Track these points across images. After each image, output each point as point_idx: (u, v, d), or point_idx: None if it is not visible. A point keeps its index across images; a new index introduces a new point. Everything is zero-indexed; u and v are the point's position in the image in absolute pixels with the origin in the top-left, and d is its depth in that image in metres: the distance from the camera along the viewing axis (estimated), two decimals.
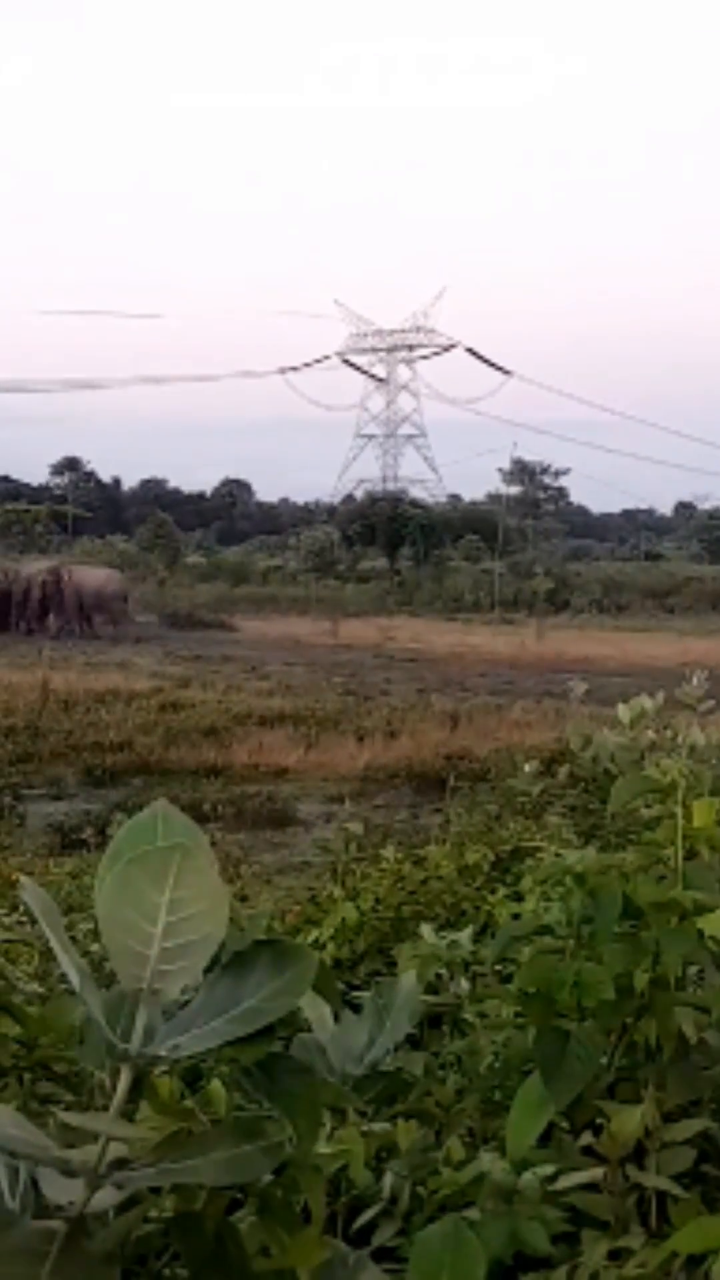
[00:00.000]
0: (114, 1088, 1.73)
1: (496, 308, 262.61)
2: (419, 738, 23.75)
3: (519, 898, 5.05)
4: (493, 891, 5.48)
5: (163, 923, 1.66)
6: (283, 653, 44.30)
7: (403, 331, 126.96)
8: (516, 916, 3.79)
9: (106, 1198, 1.72)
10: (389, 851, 6.17)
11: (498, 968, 3.73)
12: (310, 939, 5.39)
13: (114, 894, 1.67)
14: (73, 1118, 1.74)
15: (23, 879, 1.86)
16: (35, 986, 2.88)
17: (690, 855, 2.83)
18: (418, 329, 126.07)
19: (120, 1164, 1.73)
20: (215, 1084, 2.19)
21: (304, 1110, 1.80)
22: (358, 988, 4.24)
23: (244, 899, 8.73)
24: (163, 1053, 1.74)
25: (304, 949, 1.87)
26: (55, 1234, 1.64)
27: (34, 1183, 1.75)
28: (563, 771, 7.55)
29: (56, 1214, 1.70)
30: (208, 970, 1.76)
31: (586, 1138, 2.40)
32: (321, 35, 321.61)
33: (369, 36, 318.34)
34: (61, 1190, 1.72)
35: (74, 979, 1.75)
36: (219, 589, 77.52)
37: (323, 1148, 2.33)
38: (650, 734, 5.61)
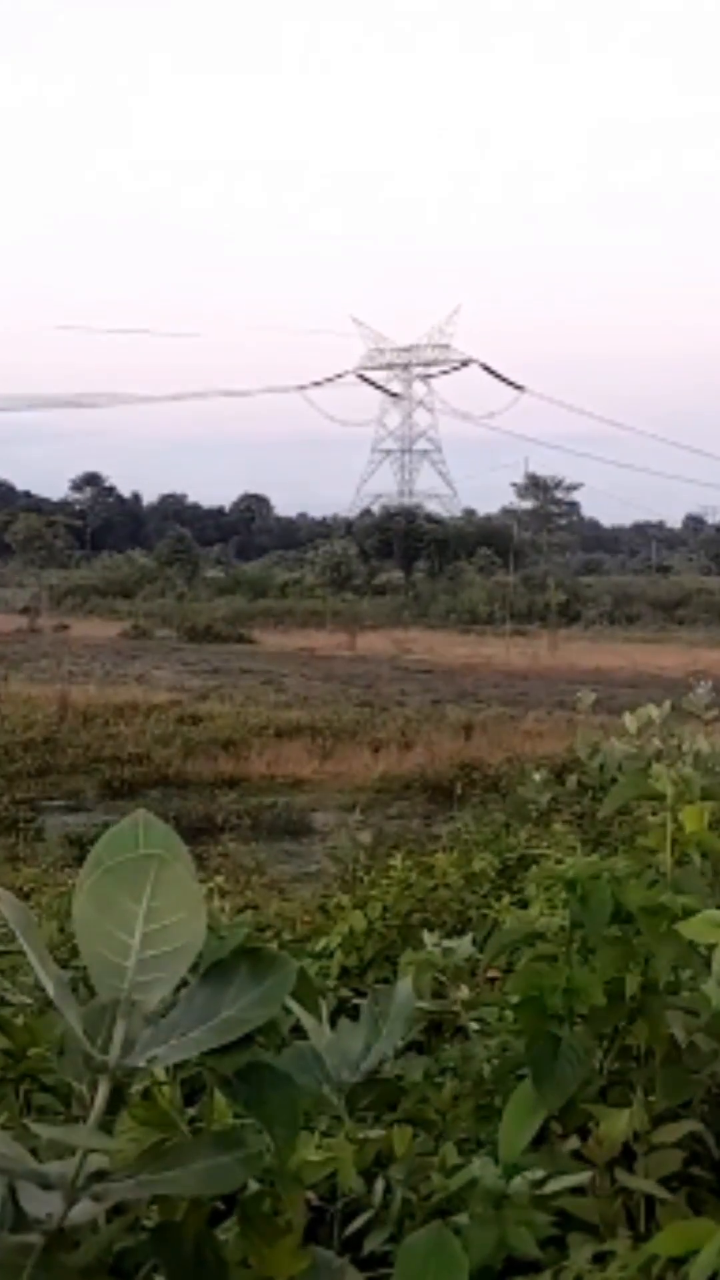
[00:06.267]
0: (92, 1099, 1.72)
1: (510, 325, 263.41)
2: (433, 748, 23.76)
3: (524, 904, 5.05)
4: (499, 898, 5.48)
5: (139, 933, 1.65)
6: (300, 665, 44.28)
7: (419, 348, 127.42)
8: None
9: (85, 1210, 1.70)
10: (397, 860, 6.16)
11: (491, 975, 3.71)
12: (319, 947, 5.39)
13: (90, 904, 1.67)
14: (48, 1130, 1.72)
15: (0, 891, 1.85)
16: (25, 999, 2.87)
17: (681, 860, 2.83)
18: (433, 346, 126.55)
19: (99, 1176, 1.72)
20: (219, 1097, 2.17)
21: (282, 1119, 1.78)
22: (366, 995, 4.22)
23: (254, 908, 8.72)
24: (141, 1064, 1.73)
25: (283, 957, 1.85)
26: (32, 1248, 1.63)
27: (13, 1196, 1.74)
28: (571, 780, 7.58)
29: (35, 1227, 1.69)
30: (186, 980, 1.75)
31: (576, 1141, 2.39)
32: (346, 66, 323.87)
33: (392, 65, 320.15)
34: (40, 1203, 1.71)
35: (50, 990, 1.74)
36: (237, 603, 77.60)
37: (313, 1155, 2.32)
38: (656, 742, 5.59)
